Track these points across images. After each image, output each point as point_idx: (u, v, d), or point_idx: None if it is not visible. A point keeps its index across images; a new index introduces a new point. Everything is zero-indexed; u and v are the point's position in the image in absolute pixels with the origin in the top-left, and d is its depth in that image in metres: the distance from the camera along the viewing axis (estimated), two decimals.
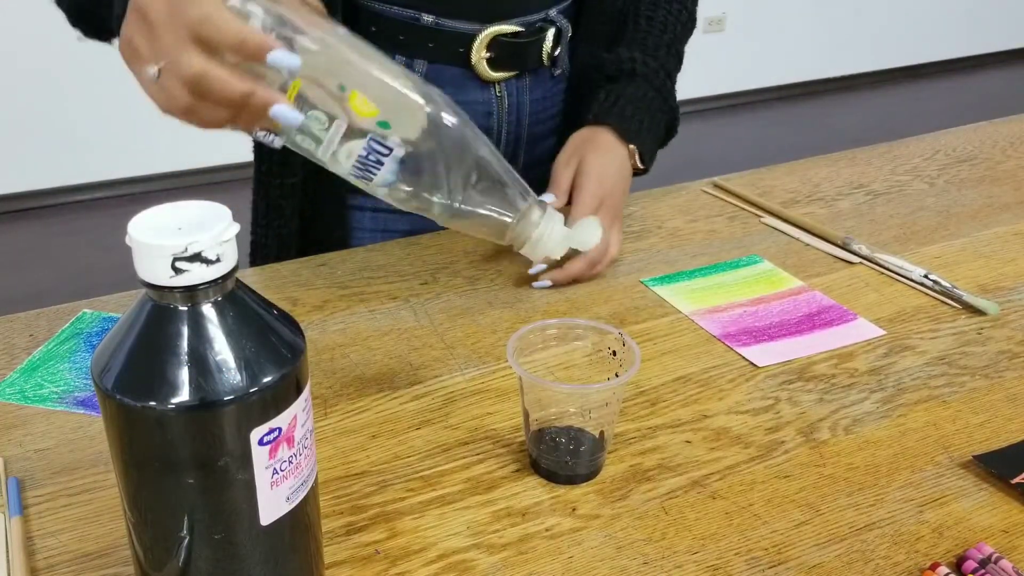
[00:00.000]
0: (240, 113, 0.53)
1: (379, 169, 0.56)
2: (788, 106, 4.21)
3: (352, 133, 0.56)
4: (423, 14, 0.86)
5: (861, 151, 1.17)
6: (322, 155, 0.57)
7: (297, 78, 0.54)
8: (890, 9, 4.40)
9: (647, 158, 0.91)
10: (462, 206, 0.59)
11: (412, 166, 0.57)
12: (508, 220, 0.62)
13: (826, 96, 4.32)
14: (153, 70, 0.53)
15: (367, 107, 0.55)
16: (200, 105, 0.54)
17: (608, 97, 0.90)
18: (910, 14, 4.46)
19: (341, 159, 0.56)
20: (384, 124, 0.56)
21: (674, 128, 0.96)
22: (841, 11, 4.29)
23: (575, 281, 0.84)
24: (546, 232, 0.62)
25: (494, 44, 0.89)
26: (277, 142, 0.56)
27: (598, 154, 0.86)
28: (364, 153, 0.56)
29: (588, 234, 0.67)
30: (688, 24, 0.99)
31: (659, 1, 0.97)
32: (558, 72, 0.96)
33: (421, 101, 0.57)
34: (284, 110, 0.52)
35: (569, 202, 0.85)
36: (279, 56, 0.52)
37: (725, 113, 4.11)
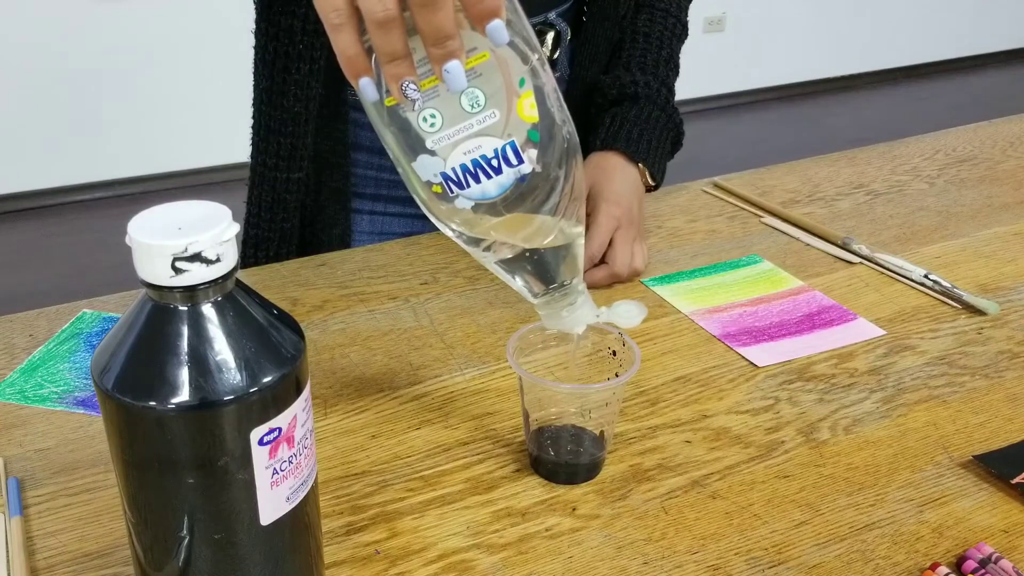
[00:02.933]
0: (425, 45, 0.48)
1: (491, 178, 0.50)
2: (788, 106, 4.21)
3: (491, 130, 0.50)
4: None
5: (861, 151, 1.17)
6: (439, 137, 0.50)
7: (488, 52, 0.49)
8: (890, 9, 4.40)
9: (657, 175, 0.93)
10: (532, 254, 0.54)
11: (520, 190, 0.51)
12: (553, 284, 0.56)
13: (826, 96, 4.32)
14: None
15: (531, 111, 0.49)
16: (396, 23, 0.47)
17: (614, 122, 0.92)
18: (910, 14, 4.46)
19: (457, 151, 0.50)
20: (534, 135, 0.50)
21: (679, 142, 0.97)
22: (841, 11, 4.29)
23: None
24: (577, 312, 0.57)
25: None
26: (412, 95, 0.49)
27: (610, 177, 0.88)
28: (490, 155, 0.49)
29: (628, 316, 0.59)
30: (682, 35, 1.01)
31: (654, 16, 0.98)
32: (556, 75, 0.96)
33: (567, 130, 0.51)
34: (458, 67, 0.48)
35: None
36: (499, 26, 0.48)
37: (725, 113, 4.11)
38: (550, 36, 0.92)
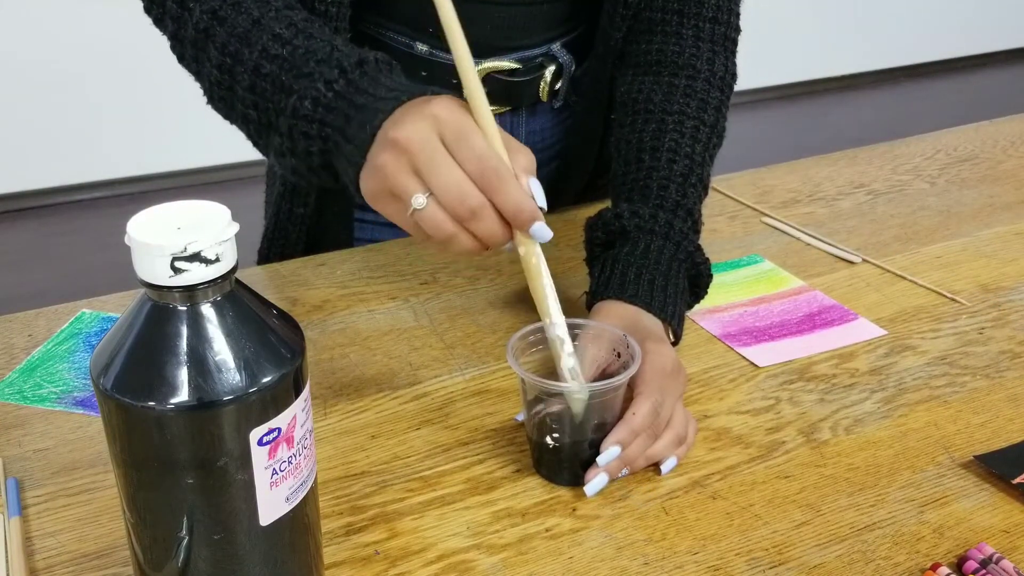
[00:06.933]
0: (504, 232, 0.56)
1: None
2: (788, 106, 4.20)
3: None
4: (417, 43, 0.84)
5: (862, 151, 1.17)
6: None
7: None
8: (890, 9, 4.40)
9: (680, 331, 0.74)
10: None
11: None
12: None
13: (826, 96, 4.31)
14: (421, 199, 0.55)
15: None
16: (461, 233, 0.55)
17: (638, 277, 0.72)
18: (910, 14, 4.46)
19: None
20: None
21: (702, 286, 0.77)
22: (841, 11, 4.29)
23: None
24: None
25: (488, 80, 0.85)
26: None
27: (655, 357, 0.65)
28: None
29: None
30: (716, 143, 0.84)
31: (683, 127, 0.81)
32: (559, 104, 0.92)
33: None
34: (542, 227, 0.56)
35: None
36: (540, 228, 0.56)
37: None
38: (550, 70, 0.88)
